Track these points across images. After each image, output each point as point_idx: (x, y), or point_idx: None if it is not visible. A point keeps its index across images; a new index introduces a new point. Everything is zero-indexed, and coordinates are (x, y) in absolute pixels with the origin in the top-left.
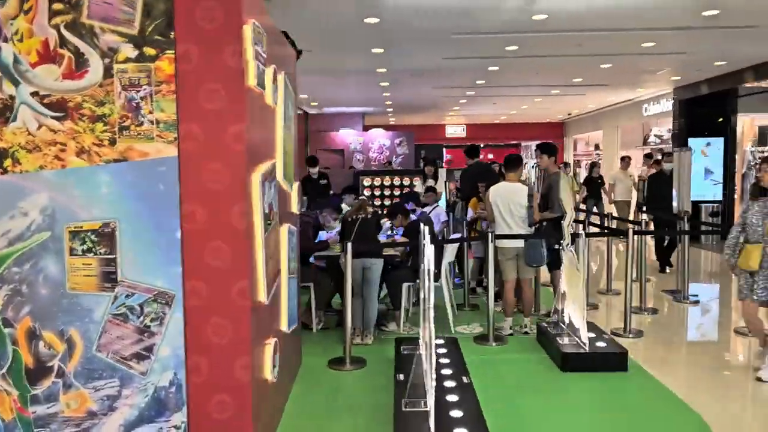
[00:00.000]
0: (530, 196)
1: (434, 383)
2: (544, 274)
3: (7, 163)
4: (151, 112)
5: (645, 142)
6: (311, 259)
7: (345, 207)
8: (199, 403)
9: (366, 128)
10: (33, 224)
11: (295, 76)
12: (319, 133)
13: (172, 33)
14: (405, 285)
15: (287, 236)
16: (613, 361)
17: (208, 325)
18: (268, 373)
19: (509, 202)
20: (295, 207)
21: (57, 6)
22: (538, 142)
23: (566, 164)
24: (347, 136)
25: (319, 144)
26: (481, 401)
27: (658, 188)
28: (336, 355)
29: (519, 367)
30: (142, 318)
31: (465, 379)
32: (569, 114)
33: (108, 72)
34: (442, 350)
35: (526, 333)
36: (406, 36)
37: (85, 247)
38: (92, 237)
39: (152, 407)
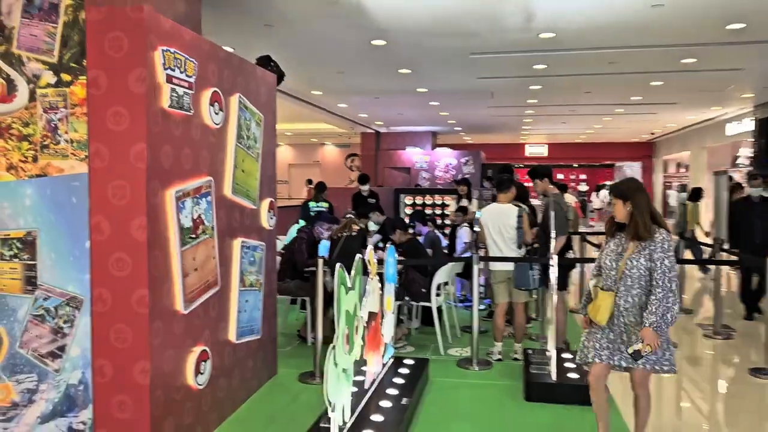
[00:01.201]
0: (520, 217)
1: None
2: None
3: None
4: (66, 132)
5: (733, 164)
6: None
7: (372, 225)
8: (103, 402)
9: (437, 147)
10: None
11: (272, 97)
12: (387, 152)
13: (84, 61)
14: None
15: (240, 250)
16: (582, 393)
17: (111, 330)
18: (191, 379)
19: (499, 223)
20: (264, 222)
21: None
22: (631, 163)
23: (564, 187)
24: (413, 155)
25: (387, 162)
26: (414, 423)
27: (742, 217)
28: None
29: (482, 392)
30: (56, 320)
31: (404, 401)
32: (652, 133)
33: (32, 96)
34: (403, 370)
35: (515, 359)
36: (423, 57)
37: (12, 252)
38: (18, 244)
39: (64, 403)
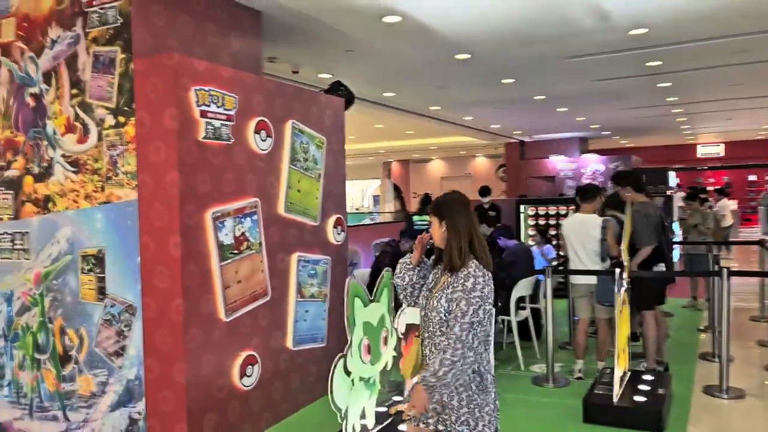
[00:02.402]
0: (604, 228)
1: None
2: None
3: (50, 205)
4: (123, 165)
5: None
6: None
7: None
8: (152, 396)
9: (586, 152)
10: (62, 249)
11: (339, 120)
12: (531, 161)
13: (134, 104)
14: None
15: (297, 264)
16: (645, 418)
17: (156, 333)
18: (236, 380)
19: (581, 234)
20: (331, 237)
21: (73, 91)
22: None
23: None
24: (557, 163)
25: (530, 172)
26: None
27: None
28: None
29: (542, 411)
30: (119, 324)
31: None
32: None
33: (99, 136)
34: None
35: (579, 378)
36: (518, 65)
37: (88, 267)
38: (92, 260)
39: (125, 395)
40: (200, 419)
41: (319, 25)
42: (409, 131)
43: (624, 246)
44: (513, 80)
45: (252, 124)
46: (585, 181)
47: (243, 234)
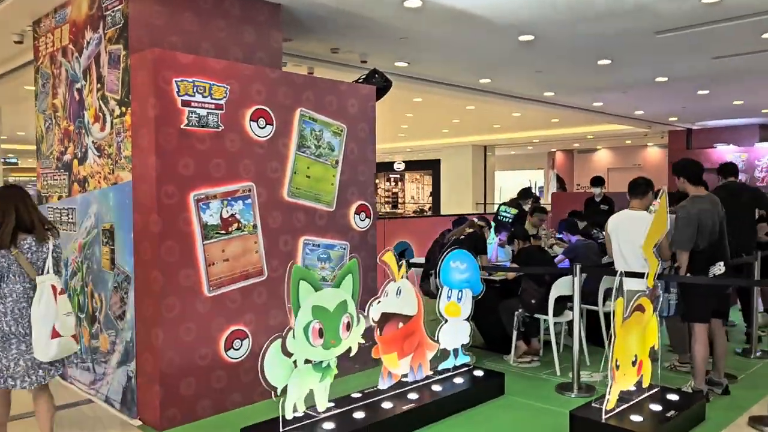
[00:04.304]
0: None
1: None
2: None
3: (86, 185)
4: (123, 151)
5: None
6: None
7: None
8: (140, 357)
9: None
10: (92, 224)
11: (367, 108)
12: (695, 151)
13: (130, 95)
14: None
15: (303, 247)
16: None
17: (143, 302)
18: (221, 352)
19: (629, 233)
20: (353, 223)
21: (98, 85)
22: None
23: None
24: (726, 153)
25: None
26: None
27: None
28: None
29: (534, 420)
30: (121, 291)
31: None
32: None
33: (112, 125)
34: (460, 380)
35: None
36: (604, 44)
37: (105, 240)
38: (108, 234)
39: (125, 354)
40: (177, 381)
41: (345, 15)
42: (554, 119)
43: (644, 247)
44: (609, 61)
45: (248, 113)
46: (759, 174)
47: (232, 216)
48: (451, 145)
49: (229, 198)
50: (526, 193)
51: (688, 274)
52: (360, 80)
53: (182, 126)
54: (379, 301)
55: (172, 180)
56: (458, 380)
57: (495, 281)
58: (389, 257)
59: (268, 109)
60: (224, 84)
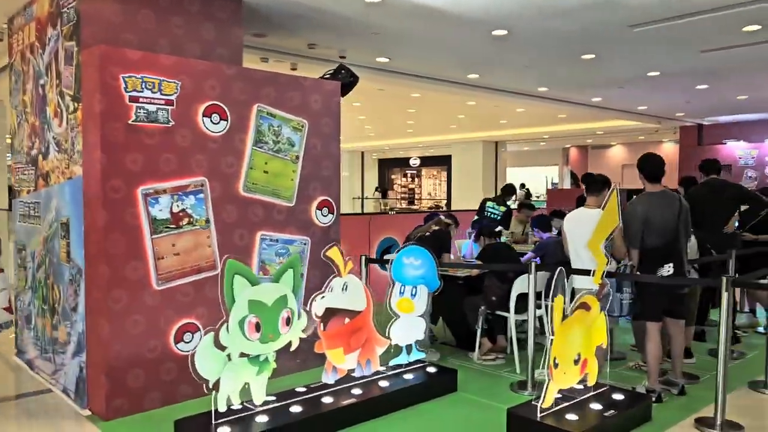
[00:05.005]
0: None
1: None
2: None
3: (49, 180)
4: (76, 146)
5: None
6: None
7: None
8: (90, 349)
9: None
10: (53, 217)
11: (331, 103)
12: (705, 147)
13: (81, 91)
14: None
15: (260, 242)
16: None
17: (90, 294)
18: (171, 345)
19: (584, 232)
20: (314, 218)
21: (56, 82)
22: None
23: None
24: (735, 149)
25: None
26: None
27: None
28: None
29: (478, 416)
30: (75, 284)
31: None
32: None
33: (68, 121)
34: (410, 376)
35: None
36: (584, 38)
37: (63, 233)
38: (65, 227)
39: (77, 346)
40: (124, 373)
41: (311, 11)
42: (561, 115)
43: (590, 245)
44: (593, 56)
45: (201, 108)
46: None
47: (183, 210)
48: (462, 140)
49: (180, 193)
50: (509, 190)
51: (638, 272)
52: (326, 76)
53: (130, 121)
54: (323, 296)
55: (118, 175)
56: (408, 376)
57: (458, 278)
58: (334, 253)
59: (222, 105)
60: (175, 80)
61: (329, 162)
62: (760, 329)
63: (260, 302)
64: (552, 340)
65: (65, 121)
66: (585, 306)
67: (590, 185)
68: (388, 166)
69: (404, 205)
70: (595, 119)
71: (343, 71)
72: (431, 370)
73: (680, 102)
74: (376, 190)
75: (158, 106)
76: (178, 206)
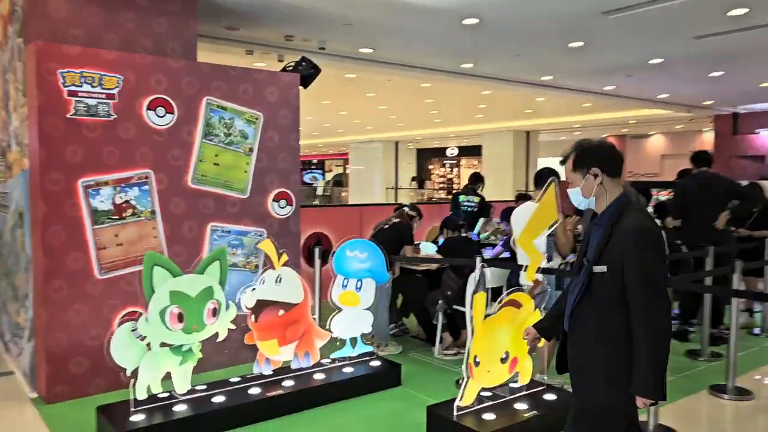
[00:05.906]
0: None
1: None
2: None
3: (12, 172)
4: (24, 139)
5: None
6: None
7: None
8: (37, 335)
9: None
10: (14, 208)
11: (290, 96)
12: (739, 137)
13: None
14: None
15: (210, 233)
16: None
17: (36, 283)
18: None
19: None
20: (271, 210)
21: (14, 77)
22: None
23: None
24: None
25: (736, 150)
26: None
27: None
28: None
29: (411, 411)
30: (27, 272)
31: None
32: None
33: (20, 115)
34: (350, 369)
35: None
36: (555, 27)
37: (20, 223)
38: (21, 218)
39: (30, 332)
40: (65, 359)
41: (271, 1)
42: (585, 104)
43: (519, 241)
44: (582, 43)
45: (146, 102)
46: None
47: (127, 202)
48: (491, 130)
49: (123, 185)
50: (476, 178)
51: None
52: (289, 68)
53: (69, 115)
54: (253, 289)
55: (58, 167)
56: (349, 369)
57: (416, 272)
58: (267, 245)
59: (167, 98)
60: (117, 74)
61: (287, 154)
62: (756, 330)
63: (183, 293)
64: (472, 338)
65: (18, 118)
66: (514, 303)
67: (537, 179)
68: (426, 156)
69: (442, 195)
70: (622, 108)
71: (303, 63)
72: (375, 363)
73: (699, 90)
74: (413, 180)
75: (99, 100)
76: (121, 198)
